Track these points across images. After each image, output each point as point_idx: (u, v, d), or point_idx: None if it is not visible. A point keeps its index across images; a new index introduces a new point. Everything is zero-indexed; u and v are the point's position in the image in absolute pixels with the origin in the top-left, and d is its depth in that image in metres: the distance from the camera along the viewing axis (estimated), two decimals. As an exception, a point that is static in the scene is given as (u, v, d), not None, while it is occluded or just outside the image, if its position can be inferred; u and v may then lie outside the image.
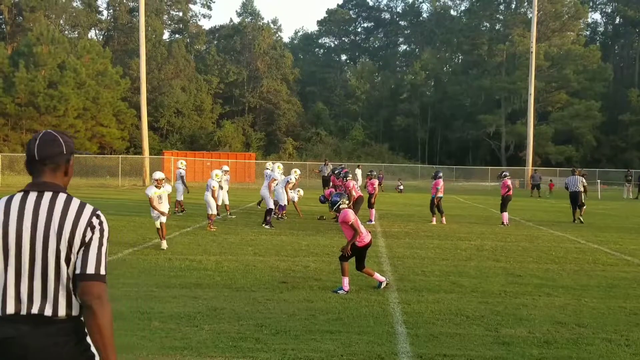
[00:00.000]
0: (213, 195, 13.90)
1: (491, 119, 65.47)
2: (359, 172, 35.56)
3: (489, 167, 50.83)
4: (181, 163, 18.88)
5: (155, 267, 9.03)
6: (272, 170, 16.73)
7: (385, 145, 69.05)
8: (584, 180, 18.69)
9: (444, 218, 16.78)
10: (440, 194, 16.64)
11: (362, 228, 7.85)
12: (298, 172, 17.41)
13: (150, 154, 44.97)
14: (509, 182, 16.74)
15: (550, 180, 37.90)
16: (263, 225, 14.51)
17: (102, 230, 2.39)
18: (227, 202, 16.90)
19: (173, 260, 9.66)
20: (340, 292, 7.56)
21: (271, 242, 12.00)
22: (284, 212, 16.87)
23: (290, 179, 16.65)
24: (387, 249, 11.45)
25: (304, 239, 12.74)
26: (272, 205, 15.17)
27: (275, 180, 15.70)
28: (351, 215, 7.81)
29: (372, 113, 77.37)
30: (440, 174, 16.73)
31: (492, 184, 46.91)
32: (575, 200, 18.49)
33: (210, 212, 13.76)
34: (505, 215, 16.57)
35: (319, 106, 72.86)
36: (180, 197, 17.85)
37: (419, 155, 72.52)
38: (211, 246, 11.29)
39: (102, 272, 2.34)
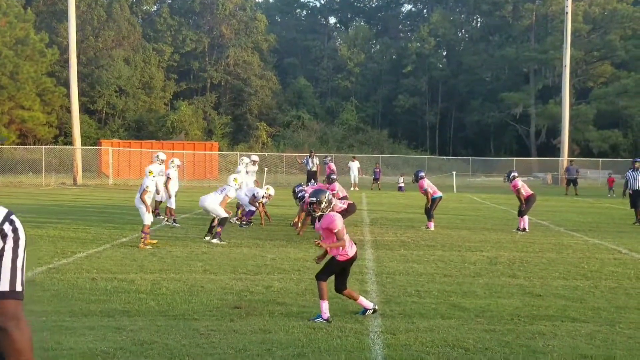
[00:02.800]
0: (142, 198, 12.97)
1: (517, 98, 65.76)
2: (354, 165, 35.64)
3: (515, 158, 51.09)
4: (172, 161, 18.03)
5: (73, 290, 8.88)
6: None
7: (384, 131, 69.23)
8: None
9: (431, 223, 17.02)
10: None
11: (347, 238, 7.68)
12: (272, 190, 17.79)
13: (84, 143, 44.82)
14: (520, 183, 16.88)
15: (610, 175, 37.78)
16: (207, 238, 13.91)
17: (16, 239, 2.43)
18: (173, 206, 16.78)
19: (98, 281, 9.50)
20: (318, 320, 7.38)
21: (228, 256, 11.89)
22: (250, 217, 16.74)
23: (257, 194, 16.58)
24: (375, 263, 11.38)
25: (270, 251, 12.64)
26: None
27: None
28: (339, 221, 7.62)
29: (368, 91, 77.50)
30: (422, 174, 17.45)
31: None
32: (636, 200, 18.74)
33: (145, 223, 12.97)
34: (525, 219, 16.50)
35: (301, 82, 72.81)
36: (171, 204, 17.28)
37: (427, 144, 72.81)
38: (149, 262, 11.14)
39: (18, 288, 2.42)
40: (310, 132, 66.29)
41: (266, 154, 48.84)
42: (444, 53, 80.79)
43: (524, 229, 16.31)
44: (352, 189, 33.62)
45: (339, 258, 7.62)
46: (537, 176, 51.74)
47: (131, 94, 64.49)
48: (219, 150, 49.67)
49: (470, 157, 53.56)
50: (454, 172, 39.27)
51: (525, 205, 16.42)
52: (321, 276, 7.60)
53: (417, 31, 77.85)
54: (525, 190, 16.69)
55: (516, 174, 17.31)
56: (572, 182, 36.02)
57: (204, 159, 45.21)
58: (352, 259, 7.75)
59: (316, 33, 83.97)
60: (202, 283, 9.46)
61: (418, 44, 74.22)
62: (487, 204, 26.58)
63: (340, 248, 7.58)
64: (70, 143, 39.80)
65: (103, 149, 41.31)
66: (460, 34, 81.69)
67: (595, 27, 66.29)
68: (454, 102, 74.90)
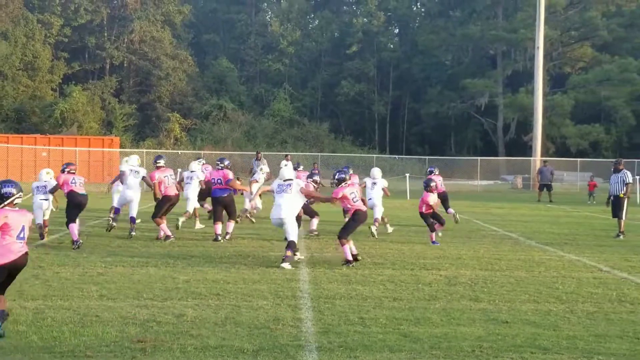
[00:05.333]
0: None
1: (482, 86, 66.85)
2: (289, 166, 35.29)
3: (479, 158, 51.97)
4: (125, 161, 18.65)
5: None
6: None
7: (324, 125, 69.61)
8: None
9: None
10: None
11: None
12: (266, 168, 22.67)
13: (-51, 138, 43.53)
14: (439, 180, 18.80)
15: (592, 178, 38.69)
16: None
17: None
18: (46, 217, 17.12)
19: (-35, 310, 9.24)
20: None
21: (130, 278, 11.73)
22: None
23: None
24: (311, 285, 11.39)
25: (183, 271, 12.51)
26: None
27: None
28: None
29: (305, 76, 77.76)
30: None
31: (484, 183, 48.06)
32: (617, 209, 19.27)
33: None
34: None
35: (223, 64, 72.56)
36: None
37: (376, 141, 73.44)
38: (31, 286, 10.91)
39: None
40: (234, 125, 66.08)
41: (180, 151, 48.45)
42: (396, 31, 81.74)
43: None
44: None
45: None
46: (505, 179, 52.81)
47: (10, 76, 63.09)
48: (121, 147, 49.02)
49: (426, 157, 54.14)
50: (408, 174, 39.79)
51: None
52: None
53: (363, 4, 78.47)
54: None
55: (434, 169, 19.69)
56: (545, 186, 36.84)
57: (101, 158, 44.55)
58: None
59: (241, 4, 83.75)
60: (97, 311, 9.30)
61: (365, 19, 74.97)
62: (445, 213, 26.93)
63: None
64: None
65: (-27, 145, 40.30)
66: (415, 8, 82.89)
67: (573, 2, 67.99)
68: (408, 89, 75.84)
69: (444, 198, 20.67)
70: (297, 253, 14.00)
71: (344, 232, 13.65)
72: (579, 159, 51.06)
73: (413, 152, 66.60)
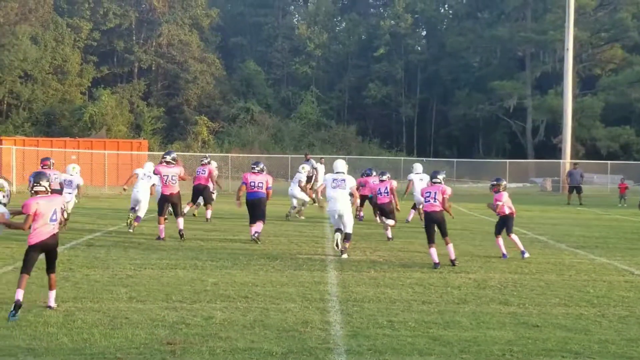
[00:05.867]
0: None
1: (511, 88, 66.54)
2: (322, 169, 35.43)
3: (508, 160, 51.68)
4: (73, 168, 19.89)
5: (-35, 323, 8.72)
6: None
7: (351, 127, 69.56)
8: None
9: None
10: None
11: None
12: (307, 167, 24.78)
13: (-20, 142, 44.01)
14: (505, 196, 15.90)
15: (622, 180, 38.22)
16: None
17: None
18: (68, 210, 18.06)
19: (-4, 312, 9.35)
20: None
21: (159, 280, 11.78)
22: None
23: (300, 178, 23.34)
24: (339, 288, 11.39)
25: (212, 274, 12.56)
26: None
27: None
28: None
29: (332, 78, 77.74)
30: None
31: (513, 186, 47.75)
32: None
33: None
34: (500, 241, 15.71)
35: (250, 67, 72.74)
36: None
37: (404, 143, 73.29)
38: (61, 288, 10.97)
39: None
40: (261, 127, 66.28)
41: (207, 154, 48.59)
42: (424, 33, 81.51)
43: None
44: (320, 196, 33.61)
45: None
46: (534, 182, 52.42)
47: (40, 80, 63.67)
48: (149, 149, 49.27)
49: (454, 159, 54.04)
50: (435, 177, 39.51)
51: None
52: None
53: (390, 6, 78.37)
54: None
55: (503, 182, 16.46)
56: (575, 189, 36.55)
57: (130, 161, 44.76)
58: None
59: (269, 7, 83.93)
60: (126, 314, 9.36)
61: (392, 21, 74.77)
62: (475, 216, 26.82)
63: None
64: (-37, 141, 39.10)
65: (4, 147, 40.63)
66: (442, 10, 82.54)
67: (603, 4, 67.44)
68: (436, 92, 75.57)
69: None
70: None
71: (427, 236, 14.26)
72: (609, 162, 50.58)
73: (441, 154, 66.38)
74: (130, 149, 46.31)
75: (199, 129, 64.65)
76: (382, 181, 18.84)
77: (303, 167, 24.07)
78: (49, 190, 9.81)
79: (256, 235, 16.76)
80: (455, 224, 23.11)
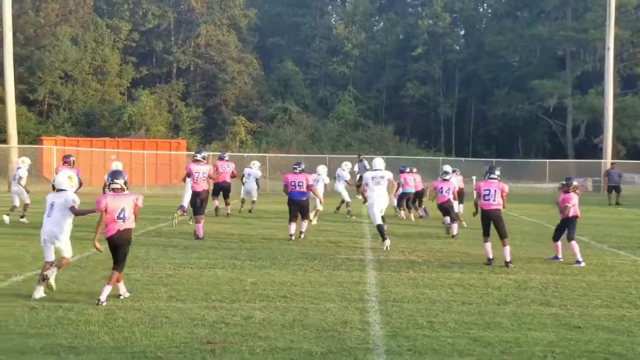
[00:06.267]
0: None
1: (551, 87, 66.04)
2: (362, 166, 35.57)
3: (548, 160, 51.26)
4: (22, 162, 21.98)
5: (7, 322, 8.85)
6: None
7: (389, 127, 69.44)
8: None
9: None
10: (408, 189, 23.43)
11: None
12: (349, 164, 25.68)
13: (22, 141, 44.66)
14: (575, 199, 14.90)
15: None
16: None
17: None
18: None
19: (39, 310, 9.49)
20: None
21: (198, 280, 11.87)
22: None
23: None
24: (378, 288, 11.38)
25: (250, 273, 12.62)
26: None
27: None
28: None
29: (370, 78, 77.64)
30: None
31: (552, 186, 47.29)
32: None
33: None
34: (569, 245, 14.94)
35: (288, 67, 72.87)
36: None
37: (442, 143, 72.98)
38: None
39: None
40: (298, 127, 66.40)
41: (245, 154, 48.85)
42: (462, 32, 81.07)
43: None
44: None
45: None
46: (576, 182, 51.80)
47: (80, 81, 64.35)
48: (187, 149, 49.60)
49: (493, 159, 53.71)
50: (474, 177, 39.30)
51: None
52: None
53: (428, 5, 78.08)
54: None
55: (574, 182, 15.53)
56: (614, 188, 36.15)
57: (169, 161, 45.18)
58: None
59: (306, 7, 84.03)
60: (166, 313, 9.44)
61: (430, 20, 74.48)
62: (515, 216, 26.60)
63: None
64: (5, 141, 39.65)
65: (45, 147, 41.15)
66: (481, 9, 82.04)
67: (644, 2, 66.58)
68: (474, 91, 75.13)
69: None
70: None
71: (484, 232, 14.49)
72: (650, 161, 50.05)
73: (479, 154, 65.97)
74: (169, 148, 46.71)
75: (237, 129, 64.90)
76: (444, 180, 19.59)
77: (346, 165, 24.75)
78: (125, 187, 10.34)
79: (302, 236, 17.65)
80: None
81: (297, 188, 17.58)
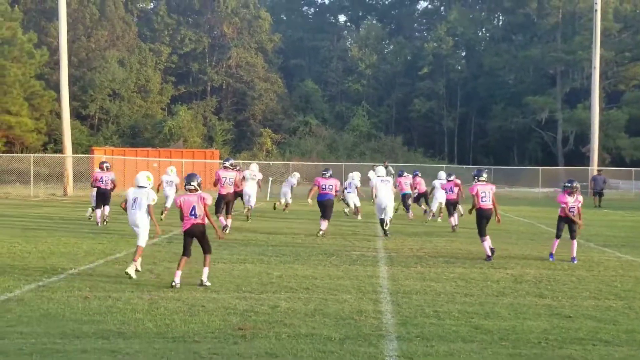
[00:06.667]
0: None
1: (543, 102, 65.73)
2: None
3: (540, 167, 50.89)
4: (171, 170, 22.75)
5: (64, 310, 8.91)
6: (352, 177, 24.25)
7: (398, 138, 69.22)
8: None
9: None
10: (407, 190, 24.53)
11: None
12: (359, 175, 24.42)
13: (75, 151, 44.96)
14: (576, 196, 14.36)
15: None
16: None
17: None
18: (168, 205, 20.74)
19: (91, 300, 9.53)
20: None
21: (230, 273, 11.89)
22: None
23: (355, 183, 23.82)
24: (390, 281, 11.37)
25: (276, 267, 12.65)
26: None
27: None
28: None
29: (381, 95, 77.54)
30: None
31: (545, 190, 47.04)
32: None
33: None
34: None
35: (309, 85, 72.95)
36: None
37: (446, 152, 72.75)
38: (146, 279, 11.16)
39: None
40: (318, 139, 66.39)
41: (271, 162, 48.92)
42: (463, 54, 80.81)
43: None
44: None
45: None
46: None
47: (126, 97, 64.77)
48: (220, 158, 49.71)
49: (491, 166, 53.33)
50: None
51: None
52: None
53: (433, 30, 77.97)
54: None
55: (573, 185, 14.50)
56: (598, 193, 35.92)
57: (203, 168, 45.27)
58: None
59: (325, 32, 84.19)
60: (202, 302, 9.49)
61: (435, 43, 74.27)
62: (511, 217, 26.48)
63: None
64: (61, 151, 39.90)
65: (95, 157, 41.35)
66: (480, 33, 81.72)
67: (626, 26, 66.20)
68: (474, 106, 74.84)
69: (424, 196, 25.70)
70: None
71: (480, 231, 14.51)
72: (633, 169, 49.38)
73: (479, 162, 65.63)
74: (204, 157, 46.90)
75: (264, 140, 65.06)
76: (449, 181, 21.45)
77: (357, 173, 24.75)
78: (198, 188, 10.82)
79: (321, 232, 17.90)
80: (492, 225, 22.86)
81: (327, 190, 18.17)
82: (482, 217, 14.43)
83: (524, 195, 45.22)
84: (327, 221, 18.20)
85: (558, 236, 14.44)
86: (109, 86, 62.80)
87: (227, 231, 17.69)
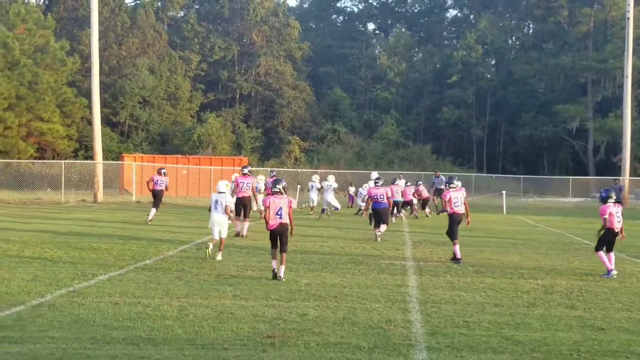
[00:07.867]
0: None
1: (574, 111, 65.20)
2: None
3: (570, 177, 50.40)
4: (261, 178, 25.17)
5: (94, 315, 8.98)
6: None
7: (427, 146, 69.01)
8: None
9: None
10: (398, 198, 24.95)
11: None
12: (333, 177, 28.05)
13: (105, 158, 45.45)
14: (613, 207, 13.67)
15: None
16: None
17: None
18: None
19: (121, 306, 9.60)
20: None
21: (259, 281, 11.92)
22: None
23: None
24: (419, 290, 11.31)
25: (305, 275, 12.65)
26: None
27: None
28: None
29: (410, 103, 77.42)
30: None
31: (575, 200, 46.60)
32: None
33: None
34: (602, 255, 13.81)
35: (337, 93, 73.05)
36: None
37: (474, 161, 72.34)
38: (175, 286, 11.22)
39: None
40: (346, 146, 66.38)
41: (299, 170, 49.01)
42: (493, 62, 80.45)
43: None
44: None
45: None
46: (595, 197, 50.88)
47: (156, 105, 65.28)
48: (250, 165, 49.88)
49: (521, 175, 53.05)
50: (504, 192, 38.89)
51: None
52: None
53: (463, 38, 77.69)
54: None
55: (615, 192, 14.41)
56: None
57: (232, 175, 45.43)
58: None
59: (354, 40, 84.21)
60: (231, 309, 9.50)
61: (464, 52, 74.00)
62: (541, 227, 26.26)
63: None
64: (91, 157, 40.35)
65: (125, 163, 41.72)
66: (510, 41, 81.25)
67: (660, 34, 65.40)
68: (504, 115, 74.40)
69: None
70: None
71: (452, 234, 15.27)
72: (666, 179, 49.00)
73: (508, 171, 65.18)
74: (233, 165, 46.94)
75: (292, 148, 65.16)
76: (407, 186, 25.63)
77: (331, 176, 29.04)
78: (283, 192, 12.31)
79: (379, 234, 19.16)
80: (522, 235, 22.73)
81: (379, 199, 19.00)
82: (454, 221, 15.21)
83: (554, 205, 44.77)
84: (385, 225, 19.23)
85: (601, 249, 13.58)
86: (139, 93, 63.34)
87: (244, 234, 19.03)
